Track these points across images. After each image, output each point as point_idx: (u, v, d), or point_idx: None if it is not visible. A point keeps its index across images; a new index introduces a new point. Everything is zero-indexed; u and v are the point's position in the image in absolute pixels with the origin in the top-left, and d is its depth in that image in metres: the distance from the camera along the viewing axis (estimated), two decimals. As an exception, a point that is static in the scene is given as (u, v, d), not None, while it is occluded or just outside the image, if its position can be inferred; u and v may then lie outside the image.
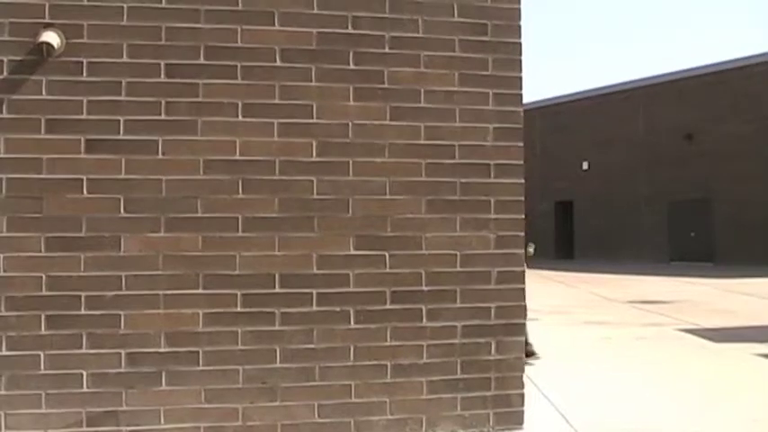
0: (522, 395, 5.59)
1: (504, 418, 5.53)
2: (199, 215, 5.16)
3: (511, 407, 5.54)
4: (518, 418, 5.56)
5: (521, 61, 5.62)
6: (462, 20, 5.51)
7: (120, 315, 5.06)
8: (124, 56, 5.10)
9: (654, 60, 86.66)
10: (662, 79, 36.96)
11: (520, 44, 5.62)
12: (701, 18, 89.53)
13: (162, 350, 5.10)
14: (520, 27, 5.64)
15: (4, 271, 4.98)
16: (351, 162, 5.34)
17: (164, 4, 5.15)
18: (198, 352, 5.14)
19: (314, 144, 5.31)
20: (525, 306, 5.65)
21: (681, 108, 35.39)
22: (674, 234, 36.15)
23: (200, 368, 5.14)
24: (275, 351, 5.23)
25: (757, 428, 6.40)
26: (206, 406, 5.13)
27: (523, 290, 5.60)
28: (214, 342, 5.16)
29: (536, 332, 7.98)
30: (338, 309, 5.31)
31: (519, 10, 5.63)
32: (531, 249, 8.50)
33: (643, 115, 36.70)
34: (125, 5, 5.11)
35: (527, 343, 8.71)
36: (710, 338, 11.68)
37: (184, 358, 5.12)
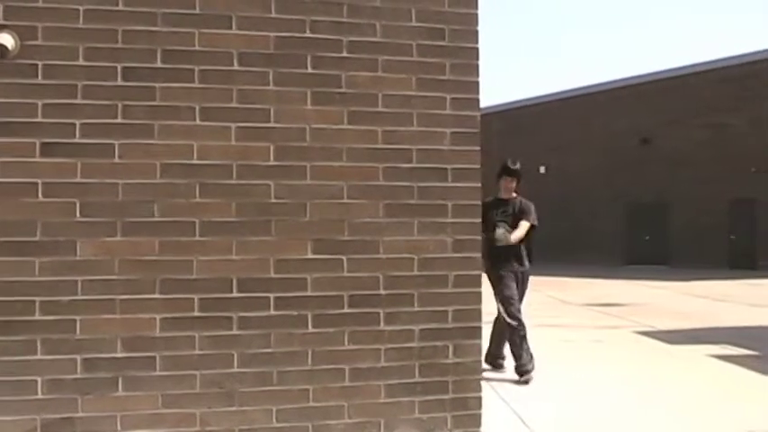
0: (480, 398, 5.62)
1: (462, 420, 5.55)
2: (156, 219, 5.13)
3: (468, 410, 5.56)
4: (476, 421, 5.58)
5: (478, 66, 5.65)
6: (420, 24, 5.53)
7: (75, 320, 5.01)
8: (80, 58, 5.06)
9: (616, 63, 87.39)
10: (620, 84, 37.34)
11: (477, 49, 5.66)
12: (664, 21, 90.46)
13: (118, 355, 5.06)
14: (477, 32, 5.67)
15: (-42, 276, 4.92)
16: (308, 166, 5.34)
17: (120, 7, 5.12)
18: (155, 357, 5.11)
19: (271, 148, 5.30)
20: (481, 309, 5.67)
21: (638, 112, 35.76)
22: (631, 237, 36.52)
23: (157, 373, 5.11)
24: (233, 355, 5.22)
25: (708, 421, 6.49)
26: (163, 411, 5.10)
27: (480, 293, 5.63)
28: (171, 347, 5.13)
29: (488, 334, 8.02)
30: (296, 313, 5.31)
31: (476, 15, 5.66)
32: (500, 231, 8.73)
33: (601, 119, 37.03)
34: (81, 8, 5.07)
35: (502, 356, 9.29)
36: (666, 340, 11.82)
37: (141, 363, 5.09)
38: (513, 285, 8.92)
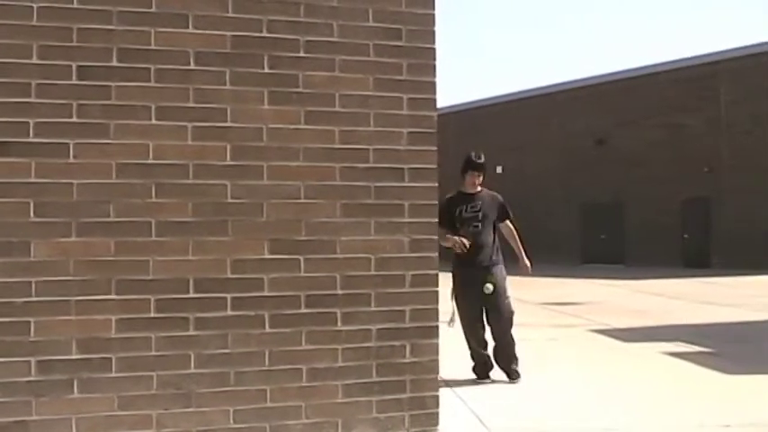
0: (437, 397, 5.64)
1: (420, 419, 5.57)
2: (111, 219, 5.09)
3: (426, 409, 5.58)
4: (433, 420, 5.60)
5: (435, 66, 5.68)
6: (377, 25, 5.54)
7: (29, 322, 4.95)
8: (34, 57, 5.00)
9: (574, 64, 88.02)
10: (576, 84, 37.66)
11: (434, 49, 5.68)
12: (621, 22, 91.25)
13: (74, 357, 5.02)
14: (434, 32, 5.69)
15: None
16: (265, 166, 5.33)
17: (75, 5, 5.07)
18: (111, 358, 5.07)
19: (228, 148, 5.28)
20: (438, 309, 5.69)
21: (594, 113, 36.06)
22: (587, 237, 36.83)
23: (114, 375, 5.07)
24: (190, 356, 5.19)
25: (663, 417, 6.56)
26: (119, 413, 5.06)
27: (437, 293, 5.65)
28: (127, 348, 5.09)
29: (455, 334, 8.05)
30: (253, 313, 5.29)
31: (433, 16, 5.68)
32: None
33: (557, 120, 37.29)
34: (35, 5, 5.01)
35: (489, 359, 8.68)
36: (621, 338, 11.93)
37: (97, 365, 5.05)
38: (478, 305, 8.47)
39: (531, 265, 8.98)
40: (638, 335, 12.30)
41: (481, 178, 8.64)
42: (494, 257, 8.50)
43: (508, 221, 8.83)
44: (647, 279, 25.63)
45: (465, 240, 8.25)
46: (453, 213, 8.42)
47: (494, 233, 8.58)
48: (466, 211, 8.47)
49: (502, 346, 8.53)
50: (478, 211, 8.49)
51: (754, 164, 30.89)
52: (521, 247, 8.94)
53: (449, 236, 8.25)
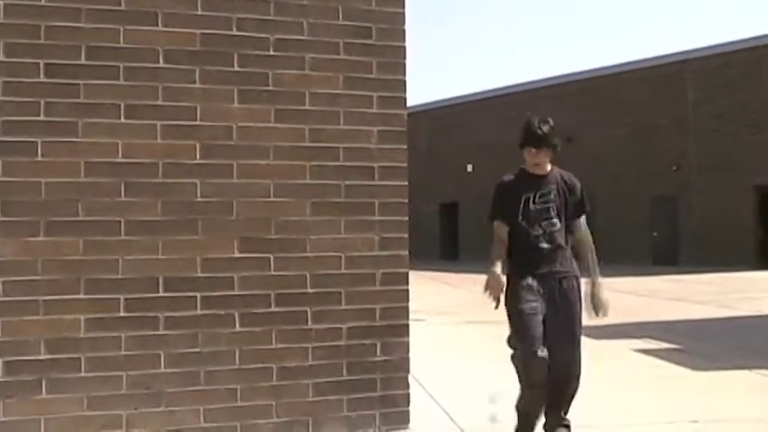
0: (408, 395, 5.65)
1: (391, 418, 5.58)
2: (80, 219, 5.06)
3: (397, 407, 5.59)
4: (404, 418, 5.61)
5: (405, 65, 5.69)
6: (347, 23, 5.54)
7: (-3, 322, 4.92)
8: (1, 54, 4.96)
9: (546, 62, 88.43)
10: (546, 83, 37.80)
11: (404, 48, 5.69)
12: (591, 21, 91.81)
13: (42, 357, 4.98)
14: (404, 31, 5.70)
15: None
16: (235, 164, 5.32)
17: (43, 3, 5.03)
18: (80, 358, 5.04)
19: (197, 146, 5.26)
20: (408, 307, 5.70)
21: (563, 111, 36.16)
22: (556, 234, 36.91)
23: (83, 375, 5.04)
24: (160, 356, 5.17)
25: (629, 413, 6.61)
26: (89, 413, 5.03)
27: (407, 291, 5.66)
28: (96, 348, 5.06)
29: (426, 332, 8.04)
30: (223, 312, 5.28)
31: (403, 14, 5.69)
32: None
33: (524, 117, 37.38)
34: (2, 2, 4.96)
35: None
36: (590, 335, 11.95)
37: (65, 365, 5.01)
38: (539, 318, 5.52)
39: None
40: (607, 332, 12.34)
41: (548, 157, 5.82)
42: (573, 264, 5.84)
43: (581, 219, 5.92)
44: (616, 276, 25.75)
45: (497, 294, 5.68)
46: (510, 202, 5.70)
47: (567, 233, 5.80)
48: (535, 201, 5.70)
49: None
50: (553, 200, 5.74)
51: (720, 162, 31.13)
52: (596, 270, 5.93)
53: (493, 270, 5.66)
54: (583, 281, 5.76)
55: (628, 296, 19.13)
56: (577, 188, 5.91)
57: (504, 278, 5.65)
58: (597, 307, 5.86)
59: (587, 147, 35.22)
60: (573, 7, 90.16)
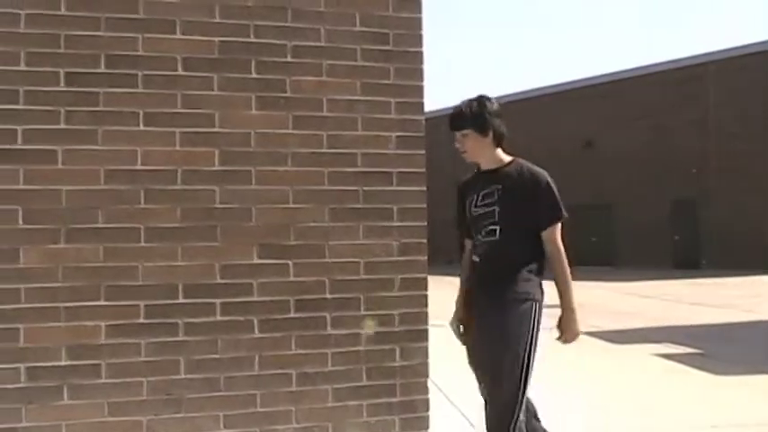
0: (427, 400, 5.64)
1: (410, 423, 5.57)
2: (100, 226, 5.09)
3: (416, 412, 5.58)
4: (424, 424, 5.61)
5: (422, 70, 5.69)
6: (364, 29, 5.55)
7: (19, 329, 4.95)
8: (21, 63, 5.00)
9: (565, 66, 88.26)
10: (565, 87, 37.75)
11: (421, 53, 5.69)
12: (611, 24, 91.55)
13: (63, 363, 5.01)
14: (421, 36, 5.70)
15: None
16: (253, 171, 5.33)
17: (62, 12, 5.07)
18: (100, 364, 5.07)
19: (216, 153, 5.28)
20: (427, 312, 5.69)
21: (582, 115, 36.13)
22: (576, 239, 36.81)
23: (103, 381, 5.06)
24: (179, 362, 5.19)
25: (651, 417, 6.58)
26: (109, 419, 5.06)
27: (426, 296, 5.66)
28: (117, 354, 5.09)
29: (446, 337, 8.02)
30: (242, 318, 5.29)
31: (420, 19, 5.69)
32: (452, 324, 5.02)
33: (545, 122, 37.33)
34: (22, 12, 5.01)
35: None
36: (612, 340, 11.97)
37: (86, 371, 5.04)
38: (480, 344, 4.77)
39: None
40: (629, 337, 12.34)
41: (478, 143, 4.79)
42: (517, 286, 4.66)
43: (552, 228, 4.71)
44: (637, 281, 25.68)
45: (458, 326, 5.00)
46: (464, 208, 4.92)
47: (526, 243, 4.70)
48: (476, 202, 4.79)
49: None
50: (496, 200, 4.69)
51: (741, 165, 31.00)
52: (566, 287, 4.78)
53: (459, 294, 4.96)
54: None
55: (649, 300, 19.05)
56: (541, 187, 4.66)
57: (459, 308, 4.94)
58: (562, 334, 4.80)
59: (607, 150, 35.15)
60: (594, 9, 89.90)
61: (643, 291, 21.71)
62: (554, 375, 8.97)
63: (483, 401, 4.71)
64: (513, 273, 4.59)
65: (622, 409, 7.20)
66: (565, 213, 4.67)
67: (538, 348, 4.61)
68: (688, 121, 32.74)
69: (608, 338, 12.18)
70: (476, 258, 4.72)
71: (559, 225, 4.67)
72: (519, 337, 4.53)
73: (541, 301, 4.63)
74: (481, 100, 4.76)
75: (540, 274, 4.70)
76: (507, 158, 4.79)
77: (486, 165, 4.80)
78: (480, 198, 4.73)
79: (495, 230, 4.62)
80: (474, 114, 4.71)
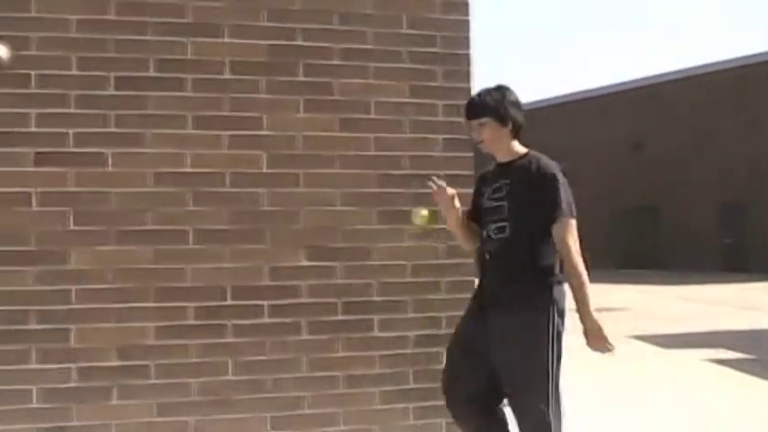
0: (474, 403, 5.61)
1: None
2: (149, 228, 5.13)
3: (463, 415, 5.55)
4: (470, 427, 5.57)
5: (470, 72, 5.67)
6: (411, 31, 5.55)
7: (70, 329, 5.01)
8: (73, 68, 5.07)
9: (612, 67, 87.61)
10: (612, 89, 37.49)
11: (469, 55, 5.67)
12: (660, 25, 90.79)
13: (113, 364, 5.06)
14: (469, 38, 5.68)
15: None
16: (301, 173, 5.35)
17: (112, 17, 5.13)
18: (149, 365, 5.11)
19: (264, 156, 5.31)
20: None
21: (630, 117, 35.84)
22: (624, 241, 36.52)
23: (152, 381, 5.11)
24: (227, 363, 5.22)
25: (705, 425, 6.51)
26: (158, 419, 5.10)
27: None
28: (166, 355, 5.13)
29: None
30: (290, 320, 5.31)
31: (468, 22, 5.68)
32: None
33: (592, 124, 37.08)
34: (73, 18, 5.08)
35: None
36: (662, 345, 11.84)
37: (136, 372, 5.09)
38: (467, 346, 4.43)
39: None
40: (679, 341, 12.20)
41: (495, 134, 4.39)
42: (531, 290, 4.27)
43: (558, 226, 4.22)
44: (686, 284, 25.39)
45: None
46: (477, 203, 4.61)
47: (539, 241, 4.28)
48: (486, 197, 4.49)
49: None
50: (505, 195, 4.36)
51: (793, 167, 30.55)
52: (581, 293, 4.22)
53: None
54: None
55: (696, 304, 18.83)
56: (546, 181, 4.26)
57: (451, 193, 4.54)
58: (588, 342, 4.24)
59: (656, 152, 34.82)
60: (647, 10, 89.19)
61: (691, 294, 21.46)
62: (600, 379, 8.89)
63: (457, 414, 4.59)
64: (526, 274, 4.26)
65: (673, 415, 7.11)
66: (564, 211, 4.20)
67: (563, 353, 4.26)
68: (739, 122, 32.31)
69: (657, 342, 12.04)
70: (486, 256, 4.41)
71: (571, 223, 4.22)
72: (540, 350, 4.20)
73: (559, 303, 4.27)
74: (501, 88, 4.44)
75: (557, 274, 4.33)
76: (522, 151, 4.42)
77: (501, 157, 4.45)
78: (492, 191, 4.42)
79: (505, 227, 4.29)
80: (495, 102, 4.36)
